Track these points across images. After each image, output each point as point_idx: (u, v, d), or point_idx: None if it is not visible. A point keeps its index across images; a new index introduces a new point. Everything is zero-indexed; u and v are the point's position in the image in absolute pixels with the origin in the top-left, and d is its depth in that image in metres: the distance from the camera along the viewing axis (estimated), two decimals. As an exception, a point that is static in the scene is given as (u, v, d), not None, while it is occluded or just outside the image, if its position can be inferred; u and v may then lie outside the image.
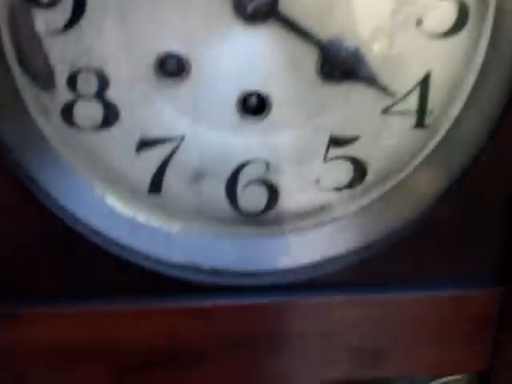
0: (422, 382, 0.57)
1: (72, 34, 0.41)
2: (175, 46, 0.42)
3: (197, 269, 0.48)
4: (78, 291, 0.47)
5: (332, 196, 0.48)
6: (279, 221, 0.48)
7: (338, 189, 0.48)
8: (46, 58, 0.41)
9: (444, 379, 0.56)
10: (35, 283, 0.47)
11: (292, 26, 0.41)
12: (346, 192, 0.48)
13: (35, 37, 0.41)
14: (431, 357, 0.53)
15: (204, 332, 0.48)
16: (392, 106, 0.45)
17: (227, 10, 0.41)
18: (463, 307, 0.51)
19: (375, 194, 0.49)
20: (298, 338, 0.50)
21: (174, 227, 0.48)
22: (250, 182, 0.46)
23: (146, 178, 0.46)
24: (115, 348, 0.48)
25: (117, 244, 0.47)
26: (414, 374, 0.55)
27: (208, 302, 0.48)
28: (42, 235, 0.45)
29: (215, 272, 0.48)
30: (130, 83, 0.42)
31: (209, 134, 0.45)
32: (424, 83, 0.45)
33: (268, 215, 0.48)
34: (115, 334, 0.48)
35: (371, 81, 0.44)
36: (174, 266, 0.48)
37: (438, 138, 0.48)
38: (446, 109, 0.47)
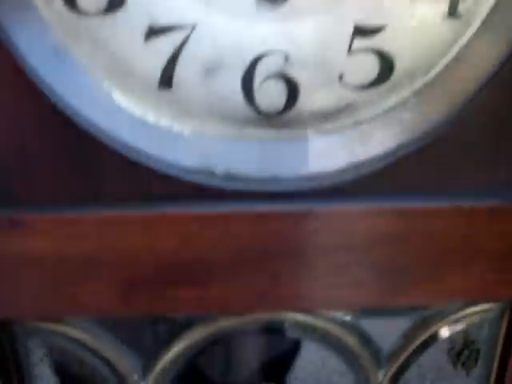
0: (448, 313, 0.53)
1: None
2: None
3: (210, 173, 0.45)
4: (82, 197, 0.45)
5: (356, 95, 0.45)
6: (300, 122, 0.45)
7: (363, 87, 0.45)
8: None
9: (474, 308, 0.53)
10: (36, 188, 0.45)
11: None
12: (371, 91, 0.45)
13: None
14: (460, 282, 0.49)
15: (218, 243, 0.45)
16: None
17: None
18: (498, 222, 0.47)
19: (403, 93, 0.45)
20: (319, 252, 0.47)
21: (185, 128, 0.44)
22: (267, 77, 0.43)
23: (156, 72, 0.43)
24: (122, 261, 0.45)
25: (124, 145, 0.43)
26: (440, 301, 0.51)
27: (222, 209, 0.45)
28: (44, 134, 0.42)
29: (230, 177, 0.45)
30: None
31: (223, 23, 0.42)
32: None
33: (287, 115, 0.45)
34: (122, 245, 0.45)
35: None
36: (185, 169, 0.44)
37: (472, 29, 0.44)
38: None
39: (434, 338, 0.51)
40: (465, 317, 0.51)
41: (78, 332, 0.50)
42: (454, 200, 0.46)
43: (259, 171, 0.45)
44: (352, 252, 0.46)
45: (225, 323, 0.49)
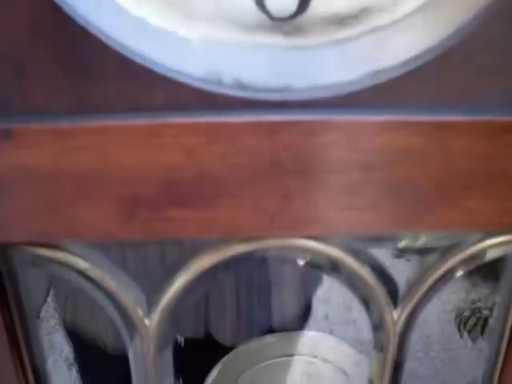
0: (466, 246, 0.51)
1: None
2: None
3: (218, 82, 0.42)
4: (81, 106, 0.42)
5: (373, -1, 0.42)
6: (313, 29, 0.43)
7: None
8: None
9: (494, 240, 0.50)
10: (31, 97, 0.42)
11: None
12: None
13: None
14: (478, 208, 0.47)
15: (226, 157, 0.43)
16: None
17: None
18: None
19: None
20: (333, 169, 0.44)
21: (191, 32, 0.42)
22: (278, -24, 0.41)
23: (160, -32, 0.40)
24: (123, 178, 0.43)
25: (126, 50, 0.41)
26: (458, 228, 0.48)
27: (231, 119, 0.42)
28: (40, 38, 0.40)
29: (239, 86, 0.42)
30: None
31: None
32: None
33: (300, 21, 0.43)
34: (123, 160, 0.42)
35: None
36: (191, 77, 0.42)
37: None
38: None
39: (451, 272, 0.49)
40: (484, 250, 0.48)
41: (80, 260, 0.47)
42: (477, 115, 0.44)
43: (270, 80, 0.43)
44: (367, 171, 0.44)
45: (234, 251, 0.46)
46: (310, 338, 0.70)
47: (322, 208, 0.44)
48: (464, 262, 0.49)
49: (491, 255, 0.49)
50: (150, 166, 0.42)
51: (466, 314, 2.31)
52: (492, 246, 0.48)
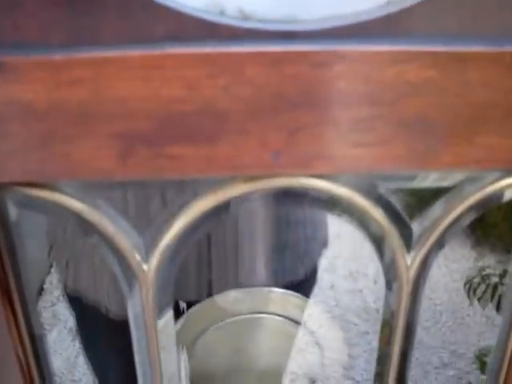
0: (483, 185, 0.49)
1: None
2: None
3: (220, 12, 0.40)
4: (76, 38, 0.41)
5: None
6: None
7: None
8: None
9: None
10: (24, 28, 0.40)
11: None
12: None
13: None
14: (495, 144, 0.45)
15: (228, 90, 0.41)
16: None
17: None
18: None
19: None
20: (341, 103, 0.43)
21: (192, -40, 0.40)
22: None
23: None
24: (121, 113, 0.42)
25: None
26: (473, 166, 0.47)
27: (233, 49, 0.40)
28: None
29: (242, 16, 0.41)
30: None
31: None
32: None
33: None
34: (121, 93, 0.41)
35: None
36: (192, 7, 0.40)
37: None
38: None
39: (467, 213, 0.47)
40: (502, 190, 0.47)
41: (75, 202, 0.45)
42: (496, 46, 0.42)
43: (275, 10, 0.40)
44: (378, 105, 0.43)
45: (238, 190, 0.44)
46: (278, 296, 0.69)
47: (330, 144, 0.43)
48: (481, 203, 0.47)
49: (509, 195, 0.47)
50: (149, 99, 0.41)
51: (476, 280, 2.31)
52: (510, 185, 0.47)
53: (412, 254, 0.49)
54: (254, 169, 0.43)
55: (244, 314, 0.66)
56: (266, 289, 0.71)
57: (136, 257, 0.47)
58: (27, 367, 0.53)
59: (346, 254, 3.36)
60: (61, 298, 2.83)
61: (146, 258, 0.48)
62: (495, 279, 2.30)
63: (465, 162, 0.45)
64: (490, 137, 0.44)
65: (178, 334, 0.64)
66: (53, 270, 2.92)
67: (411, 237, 0.48)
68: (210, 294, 1.09)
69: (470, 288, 2.33)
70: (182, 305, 1.10)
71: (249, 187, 0.45)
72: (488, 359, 2.06)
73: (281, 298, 0.69)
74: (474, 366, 2.63)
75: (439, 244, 0.49)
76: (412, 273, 0.49)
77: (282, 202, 0.75)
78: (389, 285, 0.52)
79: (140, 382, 0.56)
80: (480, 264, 3.07)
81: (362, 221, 0.48)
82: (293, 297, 0.74)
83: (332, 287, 3.28)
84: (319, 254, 1.32)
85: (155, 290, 0.49)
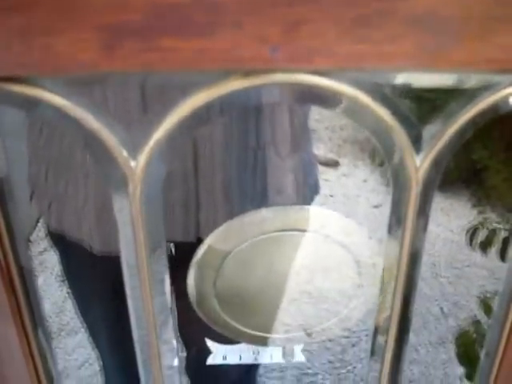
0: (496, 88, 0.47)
1: None
2: None
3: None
4: None
5: None
6: None
7: None
8: None
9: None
10: None
11: None
12: None
13: None
14: (509, 46, 0.43)
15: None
16: None
17: None
18: None
19: None
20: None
21: None
22: None
23: None
24: (105, 4, 0.39)
25: None
26: (487, 66, 0.45)
27: None
28: None
29: None
30: None
31: None
32: None
33: None
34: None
35: None
36: None
37: None
38: None
39: (479, 117, 0.46)
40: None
41: (58, 98, 0.44)
42: None
43: None
44: (386, 0, 0.40)
45: (233, 86, 0.43)
46: (313, 214, 0.68)
47: (331, 39, 0.41)
48: (492, 107, 0.46)
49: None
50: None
51: (477, 225, 2.33)
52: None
53: (421, 155, 0.48)
54: (251, 63, 0.42)
55: (273, 232, 0.66)
56: (296, 206, 0.70)
57: (123, 153, 0.46)
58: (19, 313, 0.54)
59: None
60: (48, 248, 2.87)
61: (134, 155, 0.47)
62: (496, 225, 2.31)
63: (478, 62, 0.43)
64: (505, 36, 0.42)
65: (204, 256, 0.63)
66: (39, 224, 2.92)
67: (420, 138, 0.47)
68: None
69: (473, 235, 2.34)
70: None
71: (244, 83, 0.43)
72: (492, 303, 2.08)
73: (314, 215, 0.68)
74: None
75: (449, 147, 0.48)
76: (421, 174, 0.48)
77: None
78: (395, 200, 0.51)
79: (132, 318, 0.56)
80: (481, 215, 3.12)
81: (365, 120, 0.47)
82: (325, 214, 0.73)
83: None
84: (311, 199, 1.32)
85: (143, 193, 0.48)
